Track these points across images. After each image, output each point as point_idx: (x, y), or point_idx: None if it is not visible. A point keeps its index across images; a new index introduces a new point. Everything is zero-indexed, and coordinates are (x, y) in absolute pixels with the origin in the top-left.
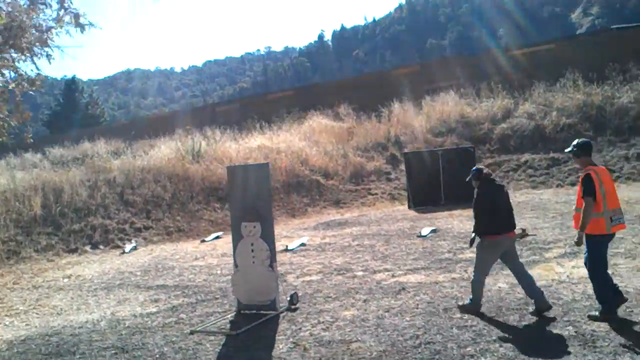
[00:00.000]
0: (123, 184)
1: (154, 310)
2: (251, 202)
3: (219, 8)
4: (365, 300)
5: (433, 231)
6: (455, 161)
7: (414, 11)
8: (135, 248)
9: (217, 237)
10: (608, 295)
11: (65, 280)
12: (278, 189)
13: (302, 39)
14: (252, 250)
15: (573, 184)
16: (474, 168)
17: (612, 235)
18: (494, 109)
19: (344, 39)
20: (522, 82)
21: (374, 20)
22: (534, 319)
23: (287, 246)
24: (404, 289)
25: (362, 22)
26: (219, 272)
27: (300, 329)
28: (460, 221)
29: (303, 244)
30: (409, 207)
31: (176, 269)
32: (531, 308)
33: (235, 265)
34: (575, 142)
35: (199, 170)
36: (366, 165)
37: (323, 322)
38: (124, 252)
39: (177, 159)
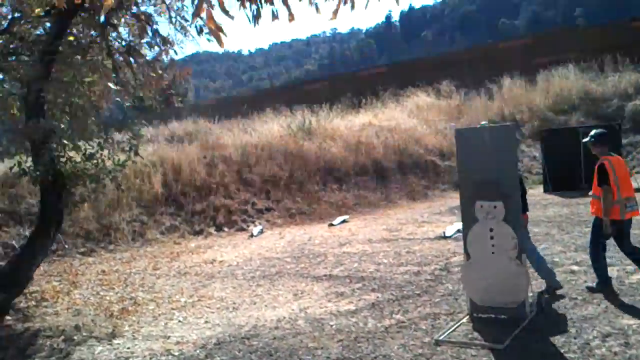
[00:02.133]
0: (240, 161)
1: (352, 307)
2: (490, 175)
3: None
4: (628, 306)
5: None
6: None
7: None
8: (262, 231)
9: (345, 221)
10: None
11: (209, 266)
12: (394, 170)
13: (368, 20)
14: (492, 237)
15: None
16: None
17: (628, 220)
18: (622, 84)
19: (411, 20)
20: None
21: (444, 0)
22: None
23: (443, 232)
24: None
25: (430, 2)
26: (385, 260)
27: (587, 343)
28: None
29: (459, 230)
30: (545, 191)
31: (329, 256)
32: None
33: (467, 256)
34: (592, 132)
35: (312, 148)
36: None
37: (610, 334)
38: (252, 235)
39: (289, 135)
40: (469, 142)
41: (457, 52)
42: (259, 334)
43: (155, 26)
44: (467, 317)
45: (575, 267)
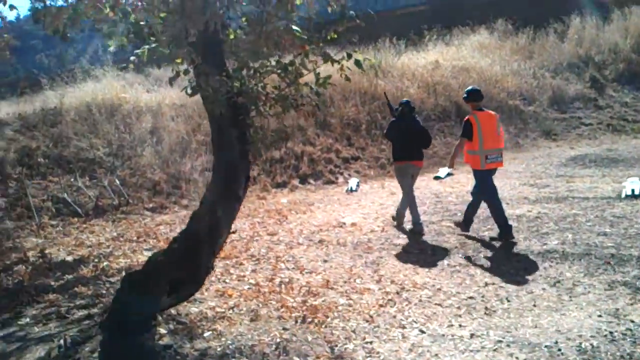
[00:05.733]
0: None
1: None
2: None
3: None
4: None
5: None
6: None
7: None
8: (358, 185)
9: (450, 174)
10: (504, 218)
11: (340, 230)
12: (452, 115)
13: None
14: None
15: None
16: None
17: (491, 170)
18: None
19: None
20: None
21: None
22: None
23: (632, 190)
24: None
25: None
26: (607, 230)
27: None
28: None
29: None
30: None
31: (560, 224)
32: None
33: None
34: (467, 89)
35: (389, 89)
36: (566, 89)
37: None
38: (352, 190)
39: (360, 73)
40: None
41: None
42: None
43: None
44: None
45: None
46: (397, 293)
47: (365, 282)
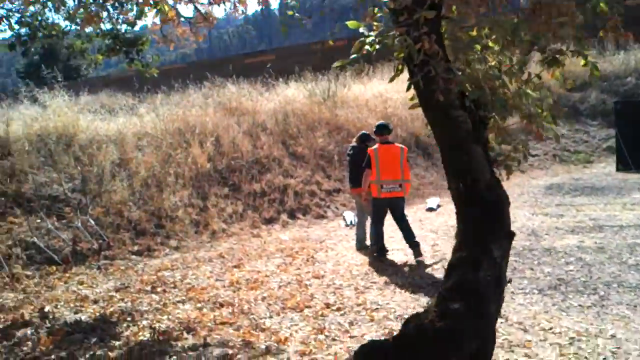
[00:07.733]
0: (280, 132)
1: None
2: None
3: None
4: None
5: None
6: None
7: None
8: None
9: (439, 205)
10: (379, 239)
11: (404, 269)
12: (433, 146)
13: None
14: None
15: None
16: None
17: (385, 199)
18: (631, 62)
19: (291, 8)
20: None
21: None
22: None
23: None
24: None
25: None
26: None
27: None
28: None
29: None
30: (618, 170)
31: (565, 253)
32: None
33: None
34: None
35: (350, 119)
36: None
37: None
38: (350, 224)
39: (316, 103)
40: None
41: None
42: None
43: None
44: None
45: None
46: (570, 344)
47: (511, 327)
